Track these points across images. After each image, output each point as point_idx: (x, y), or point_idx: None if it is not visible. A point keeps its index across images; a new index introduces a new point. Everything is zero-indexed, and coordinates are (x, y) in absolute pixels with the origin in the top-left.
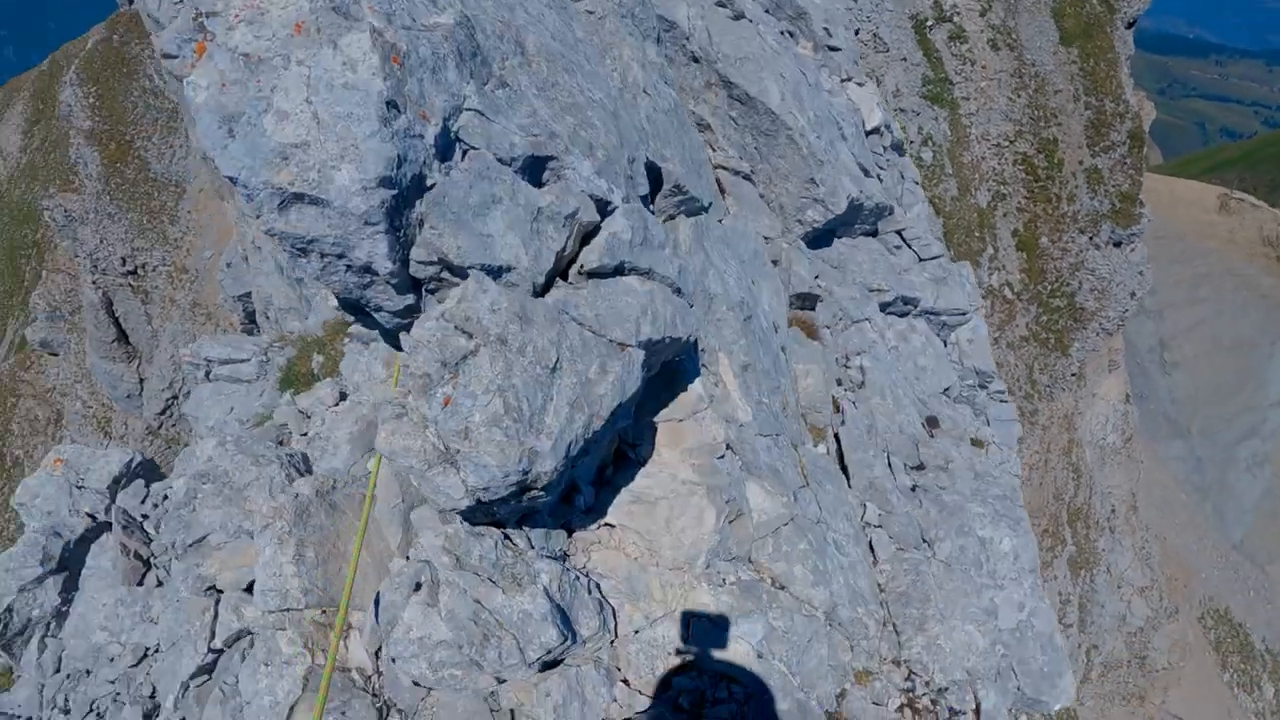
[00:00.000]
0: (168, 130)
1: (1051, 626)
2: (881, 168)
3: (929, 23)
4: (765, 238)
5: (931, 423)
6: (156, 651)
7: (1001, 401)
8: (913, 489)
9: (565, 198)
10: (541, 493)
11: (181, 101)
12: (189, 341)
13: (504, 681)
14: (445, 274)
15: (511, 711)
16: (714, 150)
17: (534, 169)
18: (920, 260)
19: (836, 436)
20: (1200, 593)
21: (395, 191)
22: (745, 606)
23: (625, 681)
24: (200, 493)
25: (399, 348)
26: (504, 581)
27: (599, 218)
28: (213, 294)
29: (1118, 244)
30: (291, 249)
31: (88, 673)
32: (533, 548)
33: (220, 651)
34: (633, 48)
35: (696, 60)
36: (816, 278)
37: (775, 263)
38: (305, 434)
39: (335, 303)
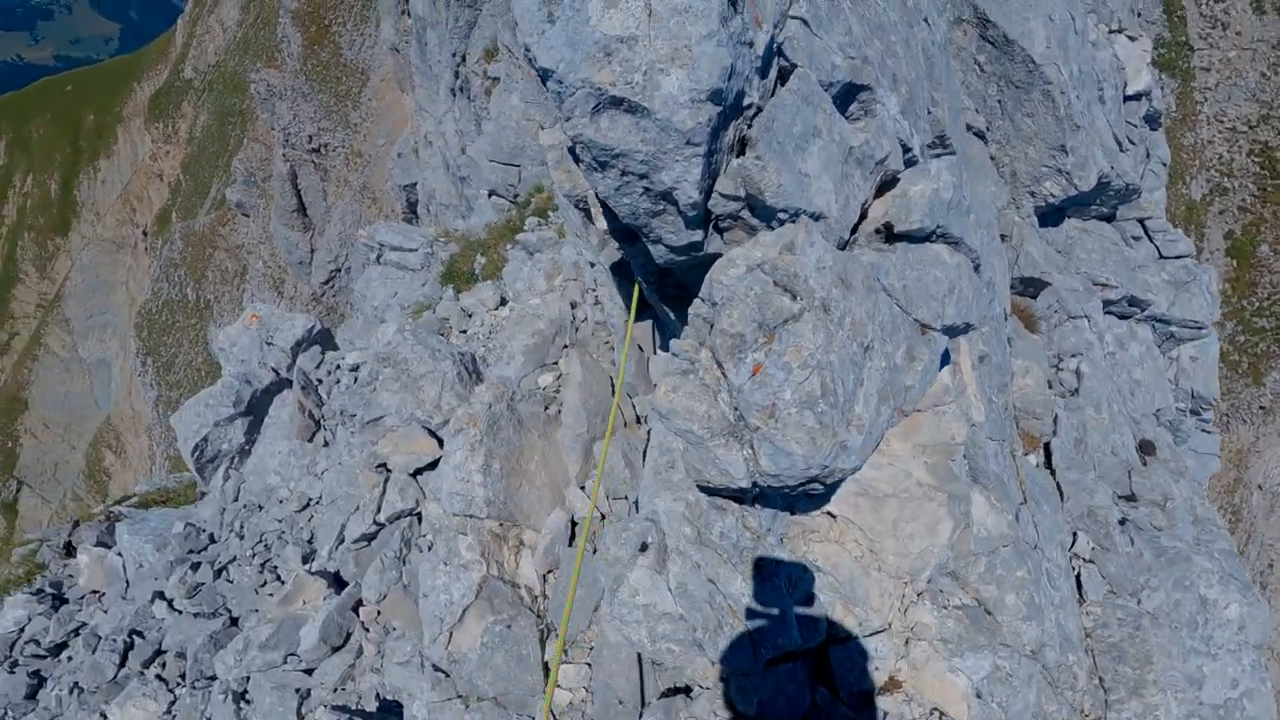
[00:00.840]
0: (361, 19)
1: (1270, 714)
2: (1132, 141)
3: None
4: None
5: (1145, 448)
6: (318, 503)
7: (1206, 433)
8: (1121, 523)
9: (879, 139)
10: (822, 488)
11: None
12: (357, 221)
13: (715, 665)
14: (744, 213)
15: (649, 659)
16: None
17: (844, 100)
18: (1160, 257)
19: (1047, 448)
20: None
21: (721, 108)
22: (975, 639)
23: (828, 687)
24: (381, 375)
25: (649, 281)
26: (744, 567)
27: (901, 167)
28: (381, 179)
29: None
30: (592, 160)
31: (260, 508)
32: (765, 530)
33: (382, 526)
34: None
35: None
36: (1045, 261)
37: (1004, 237)
38: (465, 331)
39: (495, 206)
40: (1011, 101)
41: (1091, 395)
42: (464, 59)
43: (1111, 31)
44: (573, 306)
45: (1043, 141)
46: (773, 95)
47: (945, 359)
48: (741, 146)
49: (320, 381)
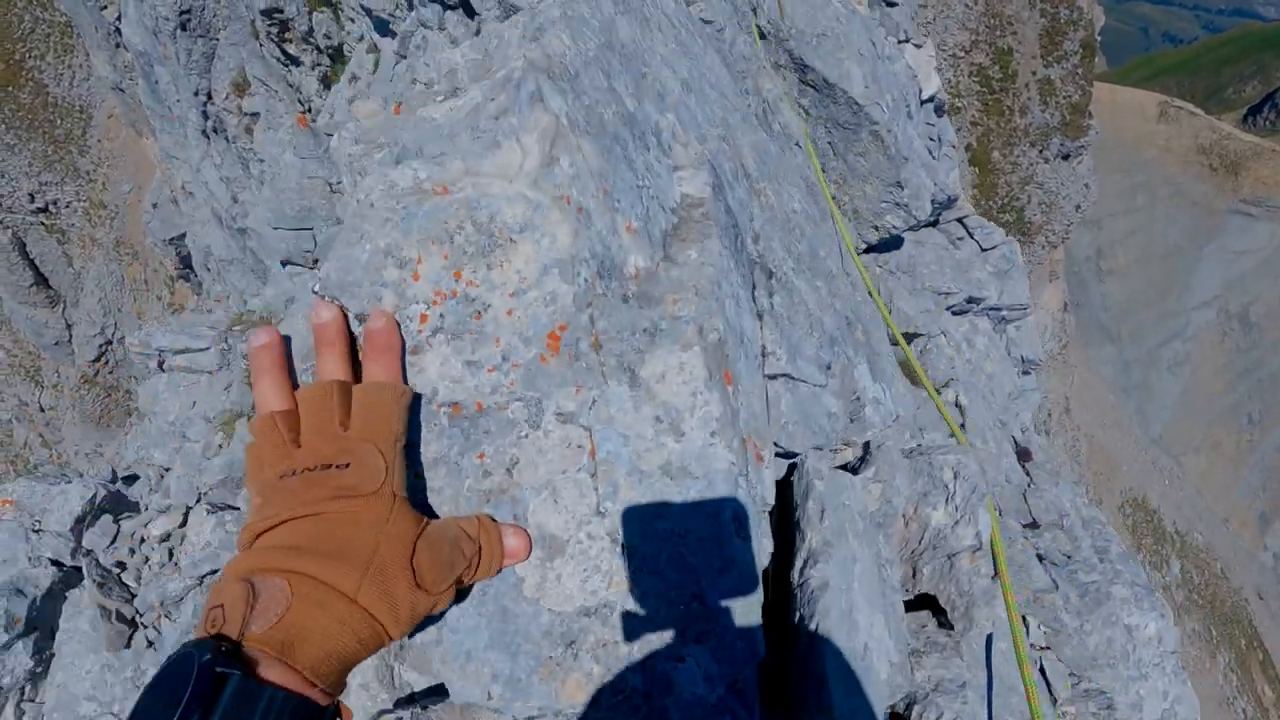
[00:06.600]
0: (64, 49)
1: (1195, 707)
2: (933, 139)
3: None
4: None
5: (1023, 455)
6: None
7: (1032, 391)
8: (1039, 560)
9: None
10: None
11: (76, 15)
12: (119, 283)
13: None
14: None
15: None
16: None
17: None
18: (982, 250)
19: None
20: (1122, 484)
21: None
22: None
23: None
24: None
25: None
26: None
27: None
28: (136, 232)
29: (1065, 157)
30: None
31: None
32: None
33: None
34: (769, 75)
35: (764, 36)
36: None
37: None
38: None
39: (289, 268)
40: (842, 143)
41: (978, 427)
42: (210, 96)
43: (900, 42)
44: None
45: (879, 179)
46: None
47: None
48: None
49: (122, 566)
